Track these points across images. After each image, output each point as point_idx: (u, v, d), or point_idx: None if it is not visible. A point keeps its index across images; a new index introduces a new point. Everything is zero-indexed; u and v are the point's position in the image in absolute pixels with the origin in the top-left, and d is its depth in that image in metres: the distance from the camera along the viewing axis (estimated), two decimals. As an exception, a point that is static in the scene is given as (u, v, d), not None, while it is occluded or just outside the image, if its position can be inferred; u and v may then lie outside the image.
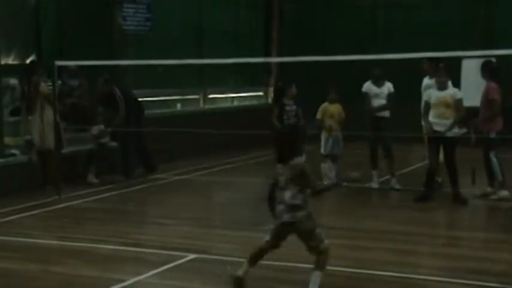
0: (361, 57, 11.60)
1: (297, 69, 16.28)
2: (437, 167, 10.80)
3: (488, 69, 10.69)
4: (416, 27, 17.57)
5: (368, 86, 11.80)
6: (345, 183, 12.07)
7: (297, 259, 7.62)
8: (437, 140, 10.49)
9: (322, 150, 11.91)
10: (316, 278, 6.23)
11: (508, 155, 11.63)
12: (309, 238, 6.32)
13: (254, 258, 6.44)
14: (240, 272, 6.39)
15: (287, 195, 6.23)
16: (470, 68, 13.79)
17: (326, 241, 6.34)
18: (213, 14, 17.83)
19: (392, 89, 11.79)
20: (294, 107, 11.87)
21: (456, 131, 10.51)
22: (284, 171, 6.21)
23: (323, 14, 19.01)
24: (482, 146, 10.77)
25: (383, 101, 11.74)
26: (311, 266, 7.32)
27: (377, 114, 11.71)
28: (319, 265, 6.28)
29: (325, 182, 11.87)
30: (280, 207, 6.31)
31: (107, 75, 12.99)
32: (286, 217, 6.25)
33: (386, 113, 11.78)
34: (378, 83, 11.77)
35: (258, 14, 19.91)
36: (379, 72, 11.78)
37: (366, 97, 11.76)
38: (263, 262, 7.43)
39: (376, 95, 11.73)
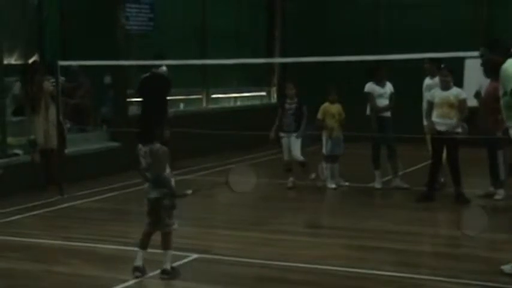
0: (362, 58, 11.61)
1: (299, 68, 16.29)
2: (440, 167, 10.80)
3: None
4: (418, 28, 17.56)
5: (371, 86, 11.78)
6: (347, 183, 12.07)
7: (295, 259, 7.66)
8: (440, 140, 10.49)
9: (323, 151, 11.92)
10: (170, 256, 6.89)
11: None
12: (168, 215, 6.86)
13: (143, 244, 7.01)
14: (140, 262, 6.98)
15: (149, 175, 6.86)
16: (473, 68, 13.75)
17: (176, 225, 6.95)
18: (216, 14, 17.84)
19: (392, 89, 11.80)
20: (293, 106, 11.89)
21: (460, 131, 10.49)
22: (146, 154, 6.85)
23: (325, 13, 19.01)
24: (487, 145, 10.77)
25: (386, 101, 11.74)
26: (309, 265, 7.37)
27: (381, 114, 11.69)
28: (168, 245, 6.89)
29: (329, 183, 11.87)
30: (147, 186, 6.95)
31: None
32: (153, 193, 6.84)
33: (388, 113, 11.80)
34: (381, 83, 11.77)
35: (260, 13, 19.92)
36: (380, 72, 11.77)
37: (370, 97, 11.73)
38: (261, 261, 7.48)
39: (380, 95, 11.71)
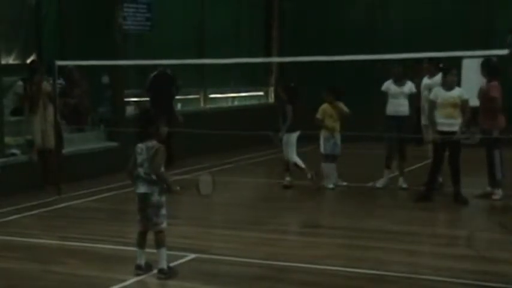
0: (361, 57, 11.59)
1: (297, 68, 16.29)
2: (441, 166, 10.77)
3: (489, 68, 10.69)
4: (417, 27, 17.56)
5: (387, 85, 11.61)
6: (345, 183, 12.05)
7: (294, 259, 7.64)
8: (443, 139, 10.45)
9: (321, 150, 11.89)
10: (163, 254, 6.93)
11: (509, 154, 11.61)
12: (156, 213, 6.92)
13: (139, 243, 7.05)
14: (141, 261, 7.05)
15: (141, 170, 6.92)
16: (471, 68, 13.78)
17: (165, 224, 6.98)
18: (214, 14, 17.83)
19: (414, 89, 11.54)
20: (280, 107, 11.98)
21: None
22: (142, 151, 6.91)
23: (323, 13, 19.00)
24: (485, 145, 10.77)
25: (402, 101, 11.49)
26: (309, 265, 7.36)
27: (394, 114, 11.56)
28: (160, 244, 6.94)
29: (328, 183, 11.85)
30: (137, 181, 6.98)
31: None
32: (141, 189, 6.94)
33: (404, 112, 11.52)
34: (399, 82, 11.56)
35: (258, 13, 19.91)
36: (398, 71, 11.54)
37: (386, 96, 11.62)
38: (260, 261, 7.46)
39: (396, 95, 11.52)
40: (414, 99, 11.58)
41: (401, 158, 11.67)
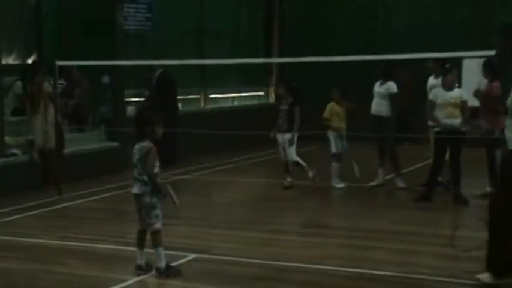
0: (361, 58, 11.59)
1: (297, 69, 16.30)
2: (442, 167, 10.77)
3: (491, 68, 10.70)
4: (417, 27, 17.57)
5: (375, 85, 11.80)
6: (345, 183, 12.05)
7: (294, 259, 7.65)
8: (444, 140, 10.44)
9: (333, 149, 11.86)
10: (160, 254, 6.94)
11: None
12: (148, 214, 6.92)
13: (138, 243, 7.07)
14: (142, 261, 7.05)
15: (136, 171, 6.96)
16: (471, 68, 13.79)
17: (159, 224, 6.95)
18: (214, 14, 17.85)
19: (392, 89, 11.60)
20: (285, 107, 11.86)
21: (465, 130, 10.51)
22: (136, 152, 6.95)
23: (323, 13, 19.01)
24: (486, 145, 10.77)
25: (380, 101, 11.58)
26: (309, 265, 7.36)
27: (375, 113, 11.65)
28: (155, 244, 6.95)
29: (337, 183, 11.84)
30: (133, 182, 7.04)
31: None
32: (135, 189, 6.98)
33: (383, 112, 11.62)
34: (382, 82, 11.68)
35: (258, 13, 19.92)
36: (381, 71, 11.69)
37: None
38: (260, 261, 7.47)
39: (377, 94, 11.67)
40: (396, 99, 11.62)
41: (392, 157, 11.69)
